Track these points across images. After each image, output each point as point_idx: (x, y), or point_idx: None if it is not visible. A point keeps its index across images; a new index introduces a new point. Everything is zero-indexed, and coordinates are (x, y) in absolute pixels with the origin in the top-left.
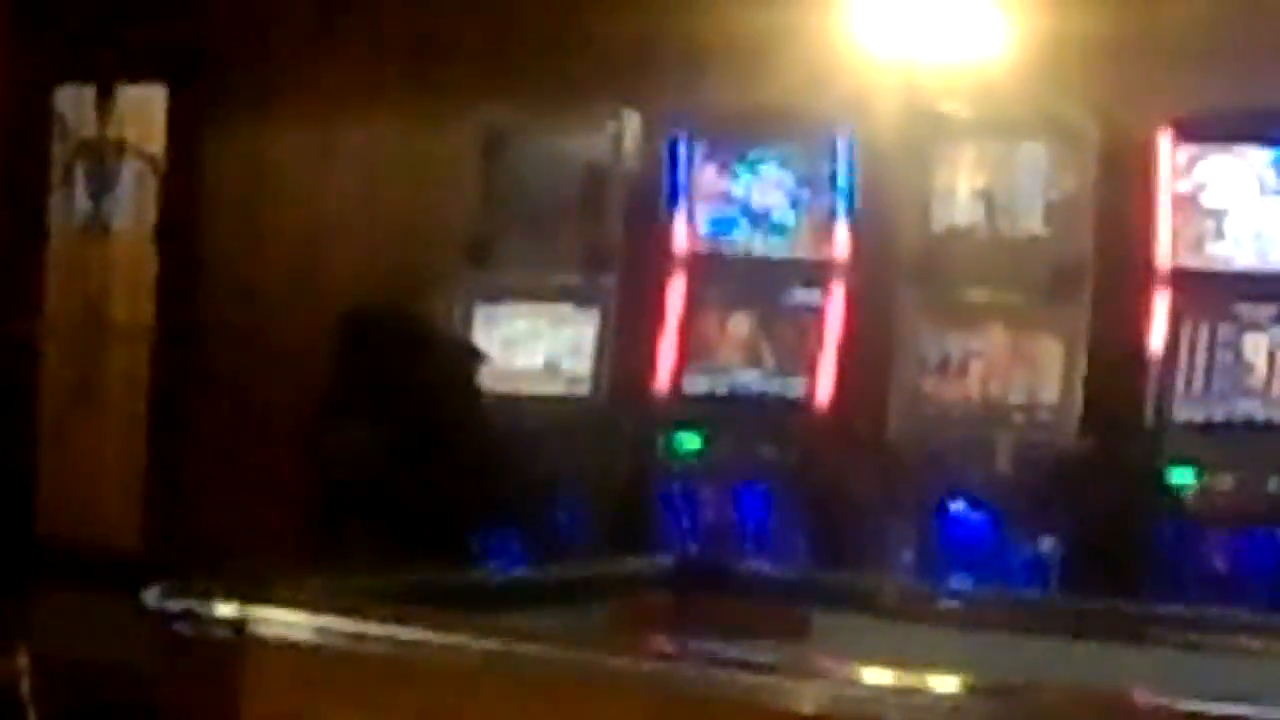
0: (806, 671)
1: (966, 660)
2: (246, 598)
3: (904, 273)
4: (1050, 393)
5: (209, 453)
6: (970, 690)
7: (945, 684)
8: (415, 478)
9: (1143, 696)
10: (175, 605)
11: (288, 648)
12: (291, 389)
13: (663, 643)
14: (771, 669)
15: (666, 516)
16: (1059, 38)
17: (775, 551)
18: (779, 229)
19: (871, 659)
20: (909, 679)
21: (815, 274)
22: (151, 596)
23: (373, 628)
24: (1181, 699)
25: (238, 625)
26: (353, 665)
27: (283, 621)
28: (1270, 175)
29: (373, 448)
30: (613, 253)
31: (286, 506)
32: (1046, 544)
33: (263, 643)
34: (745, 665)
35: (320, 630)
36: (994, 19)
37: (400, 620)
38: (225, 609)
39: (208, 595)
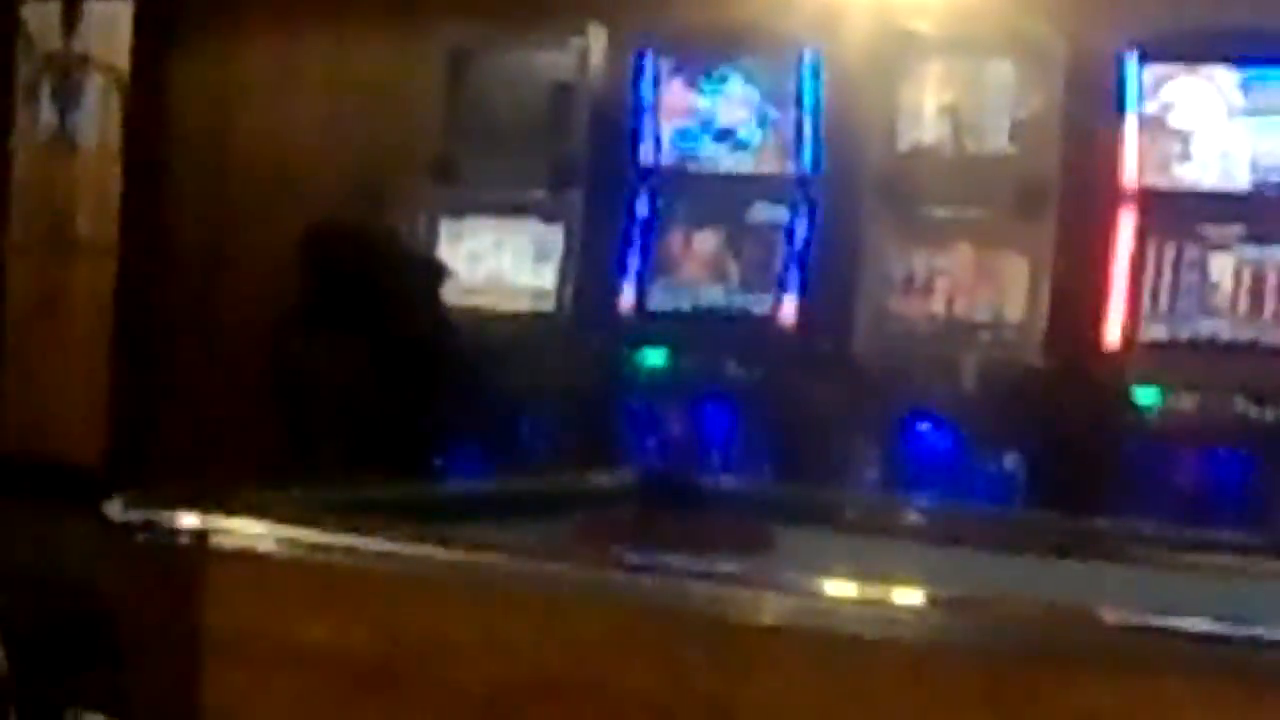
0: (770, 583)
1: (930, 574)
2: (209, 508)
3: (870, 190)
4: (1015, 311)
5: (173, 369)
6: (933, 601)
7: (908, 595)
8: (380, 392)
9: (1106, 610)
10: (137, 516)
11: (250, 558)
12: (256, 305)
13: (626, 555)
14: (735, 580)
15: (631, 432)
16: None
17: (740, 468)
18: (745, 146)
19: (835, 572)
20: (872, 591)
21: (781, 191)
22: (113, 508)
23: (336, 538)
24: (1145, 614)
25: (200, 535)
26: (316, 575)
27: (245, 532)
28: (1237, 96)
29: (337, 362)
30: (578, 169)
31: (250, 422)
32: (1011, 461)
33: (225, 553)
34: (708, 577)
35: (283, 540)
36: None
37: (363, 531)
38: (187, 519)
39: (170, 505)
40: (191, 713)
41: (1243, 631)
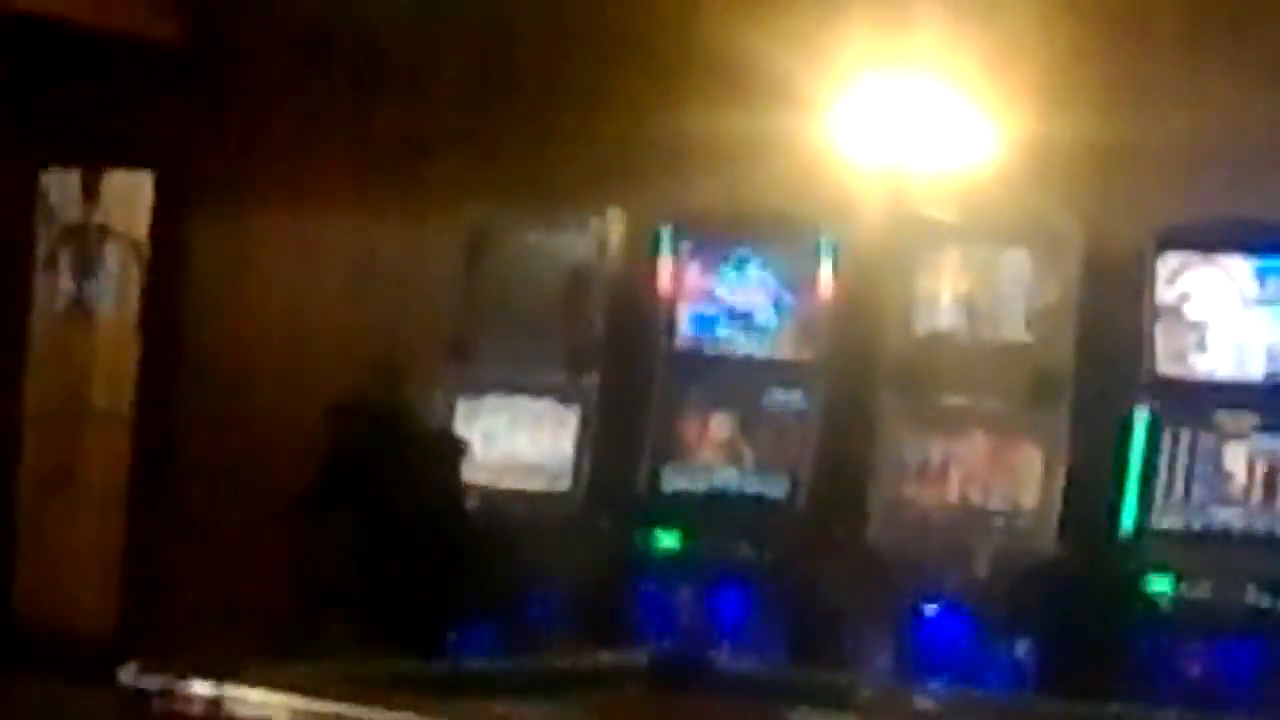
0: None
1: None
2: (223, 677)
3: (885, 376)
4: (1029, 499)
5: (188, 540)
6: None
7: None
8: (395, 568)
9: None
10: (151, 683)
11: None
12: (271, 477)
13: None
14: None
15: (644, 614)
16: (1044, 145)
17: (752, 651)
18: (762, 330)
19: None
20: None
21: (797, 375)
22: (128, 674)
23: (347, 710)
24: None
25: (214, 703)
26: None
27: (259, 702)
28: (1252, 286)
29: (353, 538)
30: (595, 351)
31: (265, 595)
32: (1024, 649)
33: None
34: None
35: (295, 712)
36: (979, 125)
37: (375, 704)
38: (201, 687)
39: (184, 674)
40: None
41: None
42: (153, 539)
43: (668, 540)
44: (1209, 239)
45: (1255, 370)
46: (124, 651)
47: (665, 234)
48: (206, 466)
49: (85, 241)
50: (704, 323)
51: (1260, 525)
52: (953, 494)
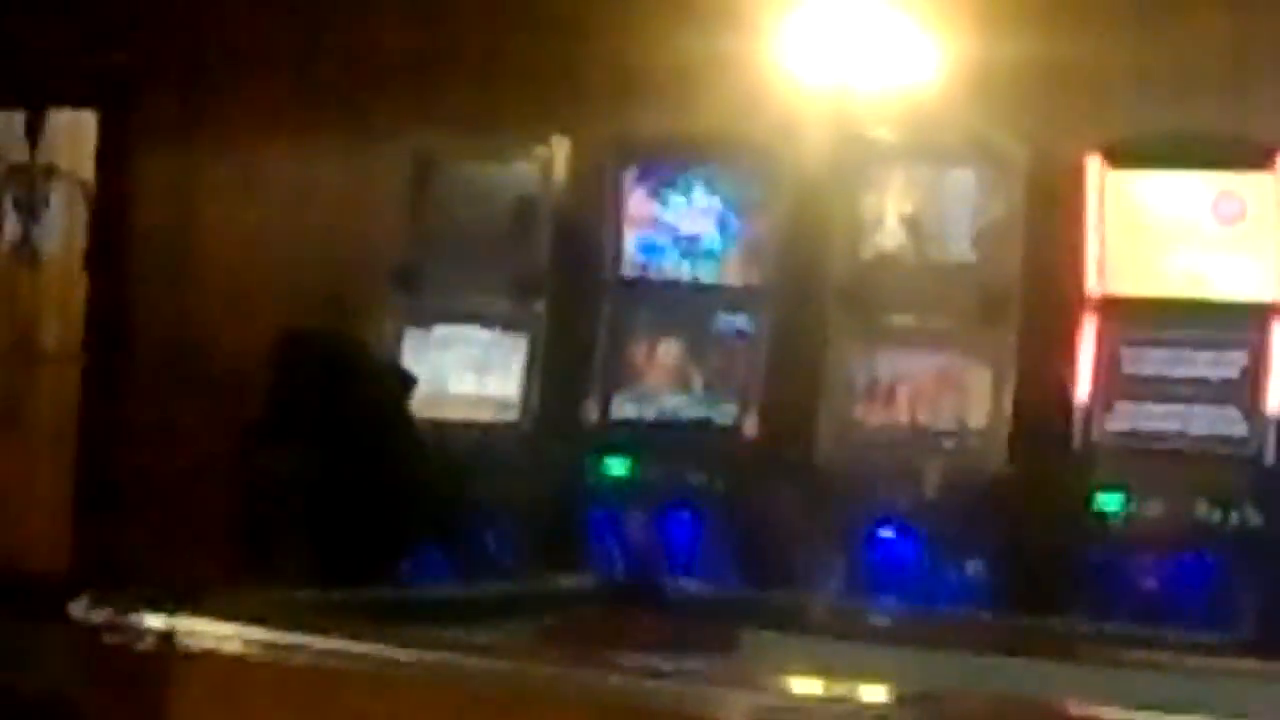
0: (735, 682)
1: (892, 674)
2: (174, 609)
3: (832, 298)
4: (978, 418)
5: (137, 477)
6: (896, 699)
7: (871, 694)
8: (345, 499)
9: (1067, 706)
10: (102, 616)
11: (216, 659)
12: (220, 412)
13: (593, 655)
14: (700, 679)
15: (595, 541)
16: (988, 64)
17: (704, 575)
18: (708, 255)
19: (799, 672)
20: (836, 689)
21: (744, 300)
22: (78, 608)
23: (301, 639)
24: (1104, 709)
25: (165, 636)
26: (281, 677)
27: (211, 633)
28: (1199, 201)
29: (303, 469)
30: (542, 278)
31: (215, 530)
32: (974, 567)
33: (190, 654)
34: (674, 676)
35: (248, 641)
36: (923, 45)
37: (329, 632)
38: (153, 620)
39: (135, 606)
40: None
41: None
42: (103, 476)
43: (618, 467)
44: (1152, 155)
45: (1203, 286)
46: (77, 589)
47: (610, 160)
48: (155, 403)
49: (30, 182)
50: (650, 249)
51: (1208, 439)
52: (902, 414)
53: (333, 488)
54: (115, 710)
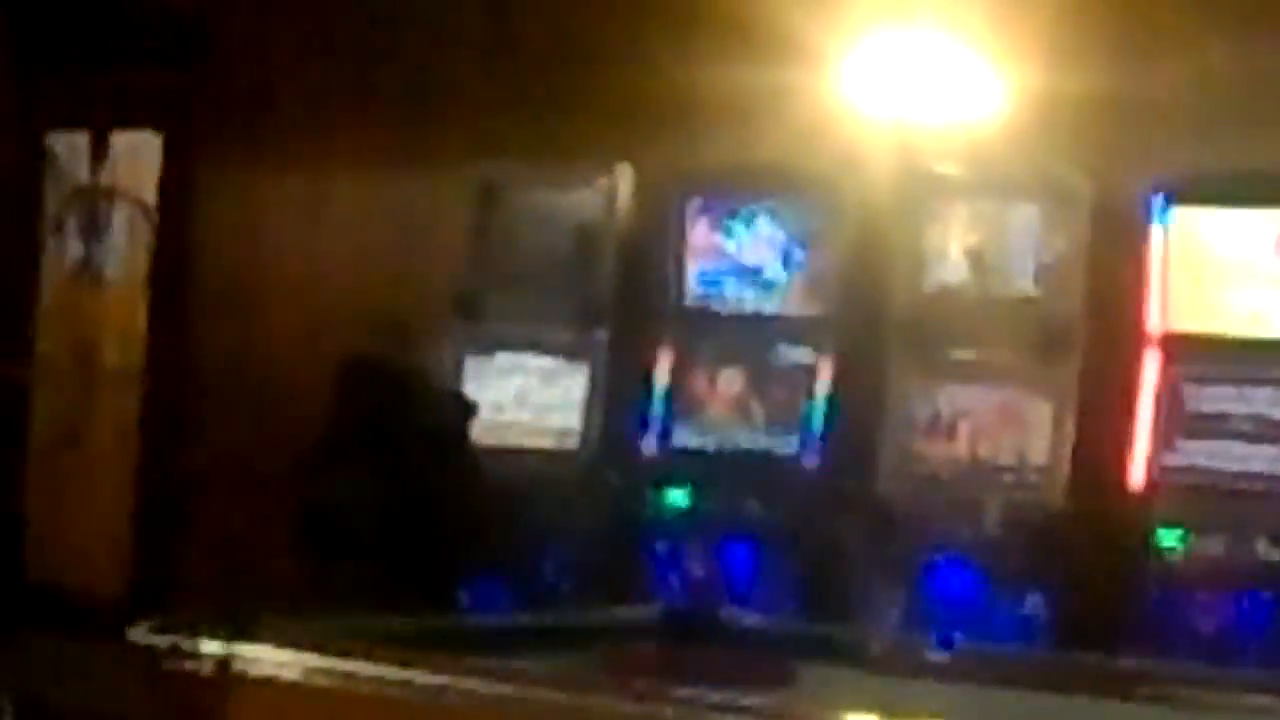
0: (792, 717)
1: (951, 711)
2: (232, 635)
3: (894, 331)
4: (1038, 453)
5: (197, 499)
6: None
7: None
8: (404, 526)
9: None
10: (161, 641)
11: (273, 685)
12: (280, 436)
13: (649, 688)
14: (758, 714)
15: (654, 571)
16: (1052, 98)
17: (763, 607)
18: (770, 286)
19: (857, 708)
20: None
21: (806, 331)
22: (138, 633)
23: (359, 667)
24: None
25: (223, 662)
26: (337, 704)
27: (269, 659)
28: (1261, 238)
29: (362, 495)
30: (605, 307)
31: (274, 553)
32: (1034, 603)
33: (248, 680)
34: (731, 710)
35: (306, 669)
36: (988, 79)
37: (387, 661)
38: (212, 645)
39: (194, 632)
40: None
41: None
42: (163, 498)
43: (677, 498)
44: (1216, 191)
45: (1267, 324)
46: (135, 611)
47: (674, 190)
48: (216, 425)
49: (94, 203)
50: (712, 279)
51: (1268, 477)
52: (962, 448)
53: (392, 514)
54: None
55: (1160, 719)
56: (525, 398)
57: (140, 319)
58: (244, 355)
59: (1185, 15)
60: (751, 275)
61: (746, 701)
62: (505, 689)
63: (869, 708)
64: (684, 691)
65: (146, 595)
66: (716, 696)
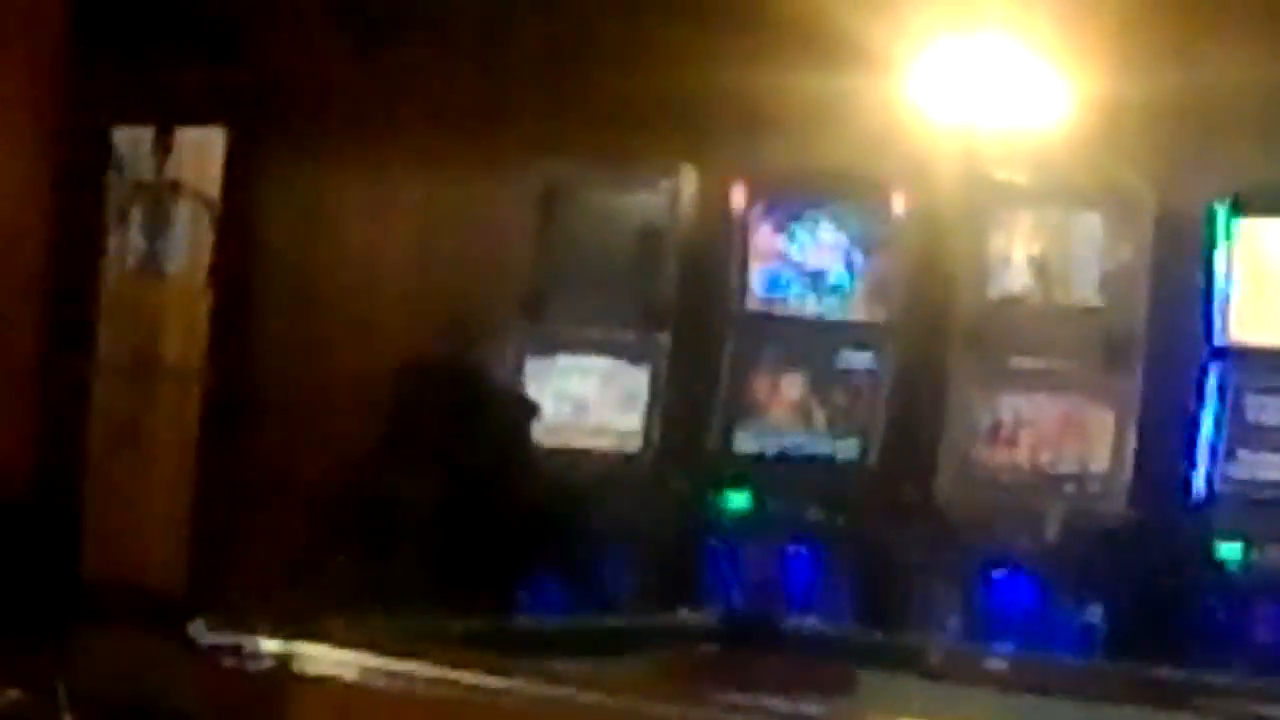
0: None
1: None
2: (292, 633)
3: (957, 338)
4: (1100, 462)
5: (258, 496)
6: None
7: None
8: (464, 527)
9: None
10: (220, 639)
11: (331, 685)
12: (342, 434)
13: (710, 693)
14: None
15: (714, 574)
16: (1117, 105)
17: (822, 612)
18: (834, 290)
19: (915, 715)
20: None
21: (869, 337)
22: (196, 630)
23: (417, 667)
24: None
25: (282, 660)
26: (396, 704)
27: (328, 658)
28: None
29: (423, 495)
30: (667, 310)
31: (334, 552)
32: (1093, 613)
33: (307, 679)
34: (789, 717)
35: (365, 669)
36: (1052, 85)
37: (445, 661)
38: (270, 644)
39: (253, 630)
40: None
41: None
42: (223, 495)
43: (738, 501)
44: None
45: None
46: (194, 607)
47: (738, 193)
48: (277, 423)
49: (157, 198)
50: (776, 283)
51: None
52: (1023, 457)
53: (452, 514)
54: None
55: None
56: (587, 399)
57: (202, 315)
58: (305, 353)
59: (1252, 24)
60: (814, 279)
61: (804, 709)
62: (562, 691)
63: (928, 716)
64: (741, 697)
65: (205, 593)
66: (774, 703)
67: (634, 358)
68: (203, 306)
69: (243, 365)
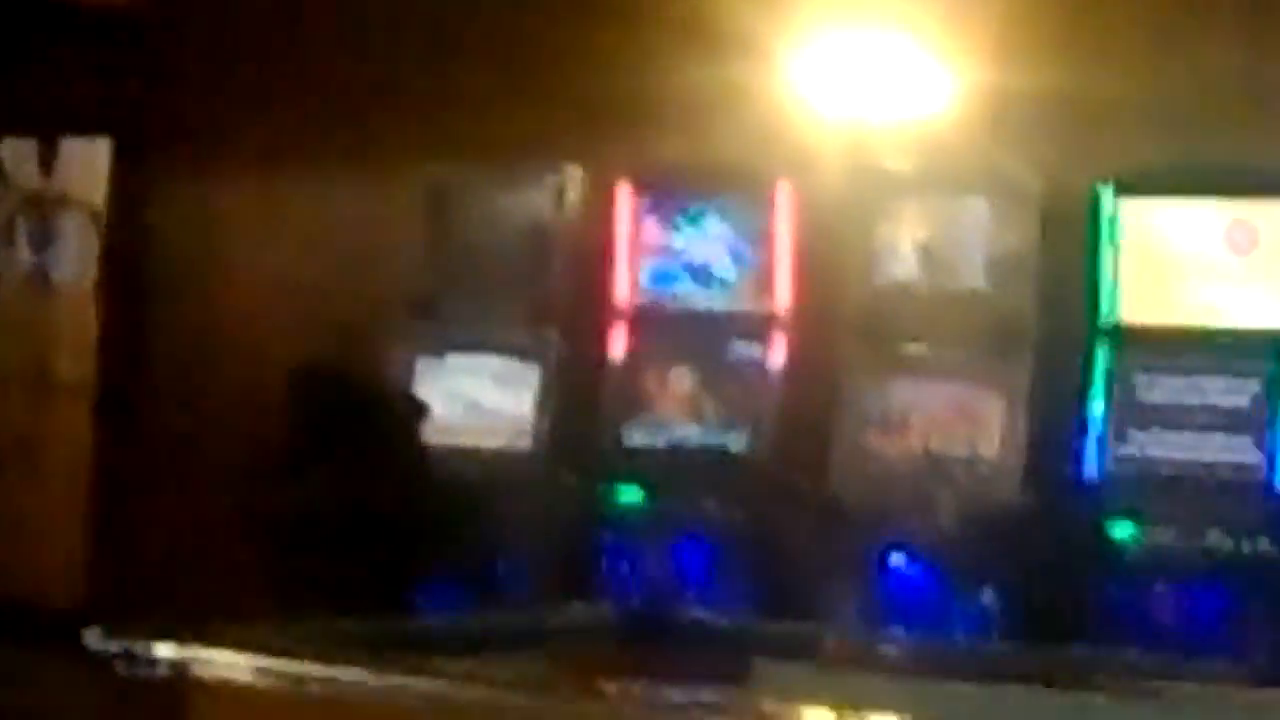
0: (748, 713)
1: (906, 704)
2: (187, 639)
3: (846, 327)
4: (991, 447)
5: (151, 507)
6: None
7: None
8: (357, 529)
9: None
10: (116, 646)
11: (228, 689)
12: (236, 441)
13: (604, 686)
14: (713, 711)
15: (608, 568)
16: (1002, 94)
17: (717, 603)
18: (720, 283)
19: (813, 701)
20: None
21: (757, 328)
22: (93, 638)
23: (314, 669)
24: None
25: (179, 666)
26: (293, 707)
27: (224, 663)
28: (1211, 230)
29: (316, 499)
30: (556, 306)
31: (229, 558)
32: (989, 597)
33: (204, 684)
34: (688, 707)
35: (261, 672)
36: (937, 76)
37: (340, 662)
38: (166, 650)
39: (149, 636)
40: None
41: None
42: (117, 506)
43: (631, 495)
44: (1165, 183)
45: (1217, 315)
46: (91, 619)
47: (623, 189)
48: (170, 432)
49: (43, 210)
50: (663, 277)
51: (1220, 467)
52: (915, 443)
53: (345, 517)
54: None
55: (1114, 708)
56: (478, 398)
57: (91, 327)
58: (196, 361)
59: (1131, 10)
60: (701, 273)
61: (701, 698)
62: (460, 690)
63: (825, 703)
64: (637, 689)
65: (102, 603)
66: (672, 694)
67: (524, 355)
68: (92, 317)
69: (134, 375)
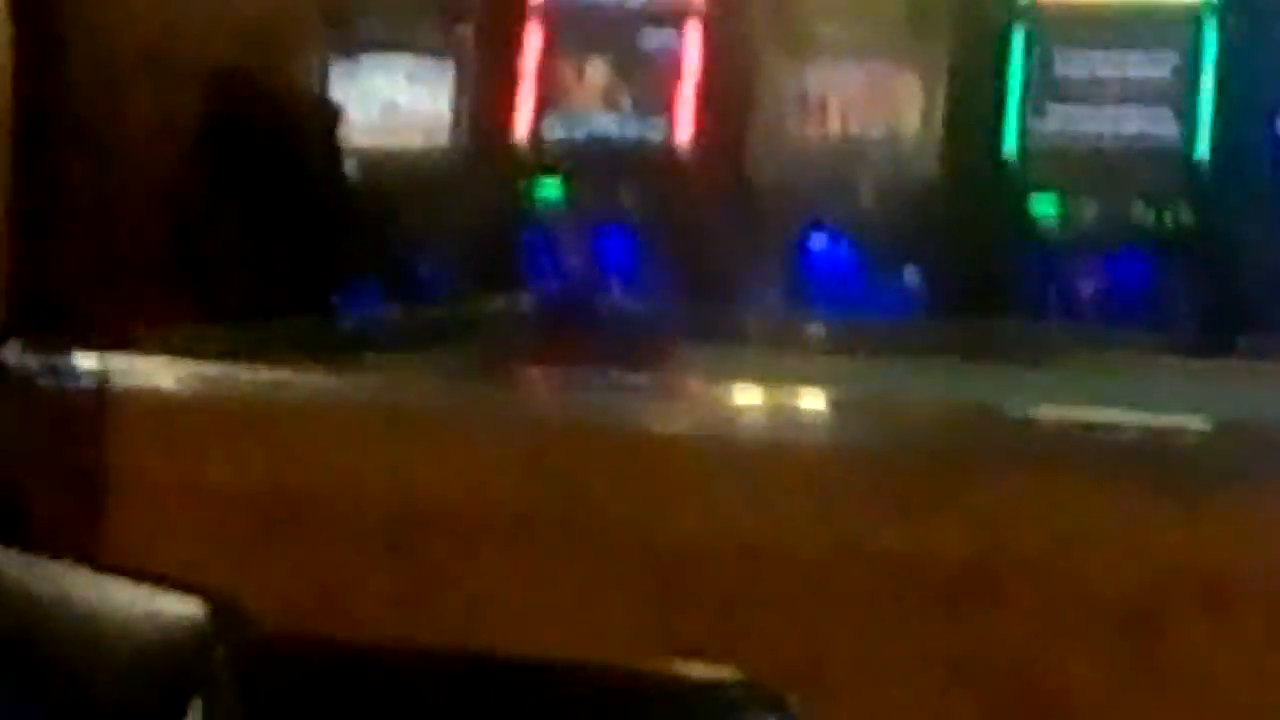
0: (673, 393)
1: (830, 381)
2: (108, 348)
3: (760, 10)
4: (910, 125)
5: (67, 217)
6: (835, 406)
7: (810, 400)
8: (275, 233)
9: (1006, 408)
10: (36, 360)
11: (150, 396)
12: (151, 148)
13: (528, 373)
14: (637, 393)
15: (530, 261)
16: None
17: (639, 293)
18: None
19: (737, 380)
20: (774, 396)
21: (671, 15)
22: (10, 352)
23: (235, 371)
24: (1043, 408)
25: (100, 376)
26: (216, 410)
27: (146, 370)
28: None
29: (232, 205)
30: (468, 2)
31: (149, 268)
32: (910, 275)
33: (126, 392)
34: (611, 390)
35: (182, 377)
36: None
37: (263, 364)
38: (86, 360)
39: (68, 347)
40: (93, 554)
41: (1140, 422)
42: (34, 217)
43: (550, 188)
44: None
45: None
46: (8, 333)
47: None
48: (85, 141)
49: None
50: None
51: (1140, 138)
52: (833, 125)
53: (263, 222)
54: (52, 453)
55: (1039, 379)
56: (392, 98)
57: (5, 44)
58: (109, 66)
59: None
60: None
61: (626, 379)
62: (383, 384)
63: (751, 380)
64: (563, 373)
65: (20, 318)
66: (597, 378)
67: (438, 52)
68: (4, 35)
69: (49, 88)
